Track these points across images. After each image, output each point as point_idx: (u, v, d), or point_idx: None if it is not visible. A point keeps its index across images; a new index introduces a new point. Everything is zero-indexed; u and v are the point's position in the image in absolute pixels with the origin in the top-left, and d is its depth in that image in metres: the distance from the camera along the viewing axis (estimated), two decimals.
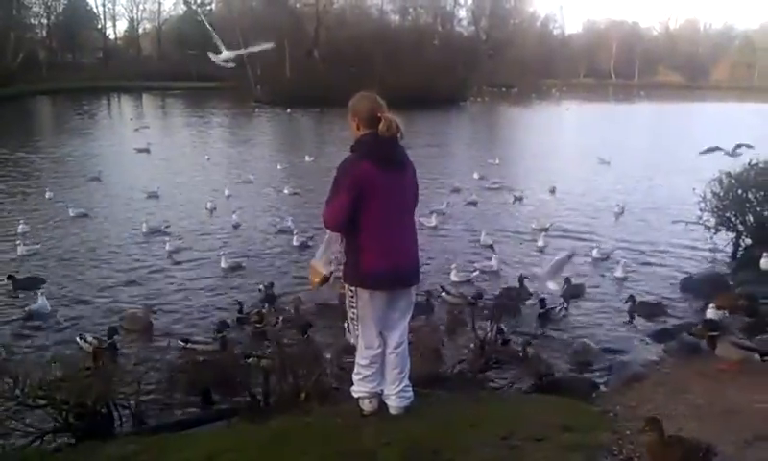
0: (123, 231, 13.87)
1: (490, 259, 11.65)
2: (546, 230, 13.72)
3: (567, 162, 23.24)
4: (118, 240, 13.23)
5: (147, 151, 24.90)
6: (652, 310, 9.20)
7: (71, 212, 14.94)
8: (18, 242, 12.28)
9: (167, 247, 12.28)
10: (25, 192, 17.83)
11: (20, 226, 13.53)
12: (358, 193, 4.25)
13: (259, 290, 10.03)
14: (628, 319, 9.11)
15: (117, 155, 25.46)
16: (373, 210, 4.31)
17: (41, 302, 9.44)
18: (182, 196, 17.55)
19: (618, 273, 11.01)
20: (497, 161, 22.67)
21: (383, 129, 4.31)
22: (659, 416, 3.86)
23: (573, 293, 9.91)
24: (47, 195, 16.61)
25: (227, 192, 17.33)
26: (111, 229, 14.15)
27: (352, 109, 4.43)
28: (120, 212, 15.69)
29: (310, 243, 12.61)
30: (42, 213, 15.32)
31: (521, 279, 10.48)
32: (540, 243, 12.82)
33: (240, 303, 9.30)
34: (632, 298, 9.42)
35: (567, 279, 10.22)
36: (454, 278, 10.90)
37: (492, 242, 12.91)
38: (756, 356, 5.72)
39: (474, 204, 16.89)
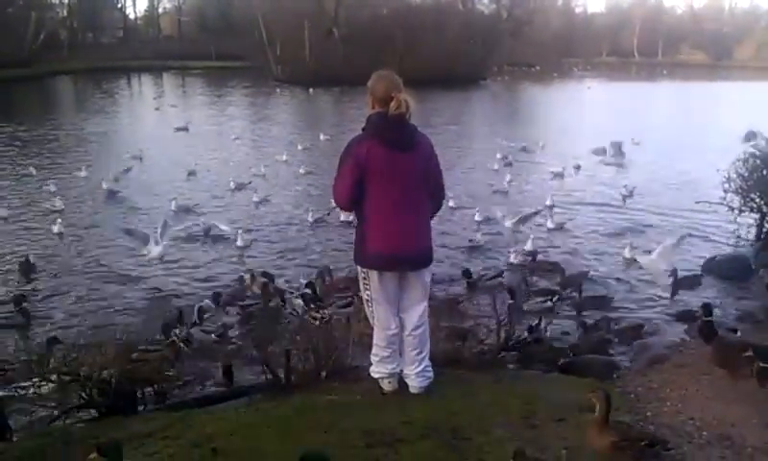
0: (157, 210, 13.90)
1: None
2: (540, 210, 13.63)
3: (592, 141, 22.98)
4: (151, 218, 13.25)
5: (186, 130, 25.16)
6: (598, 304, 8.81)
7: (104, 185, 15.12)
8: (59, 220, 12.31)
9: (201, 226, 12.31)
10: (59, 170, 17.92)
11: (56, 202, 13.65)
12: (361, 173, 4.27)
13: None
14: (576, 312, 8.72)
15: (156, 133, 25.66)
16: (378, 191, 4.33)
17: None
18: (218, 175, 17.54)
19: (627, 253, 10.88)
20: (542, 144, 21.85)
21: (393, 108, 4.30)
22: (608, 391, 3.79)
23: (571, 283, 9.49)
24: (82, 173, 16.66)
25: (263, 170, 17.40)
26: (145, 207, 14.24)
27: (369, 89, 4.44)
28: (158, 190, 15.76)
29: (327, 219, 12.75)
30: (77, 191, 15.44)
31: (534, 254, 10.56)
32: (550, 224, 12.72)
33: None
34: (579, 290, 9.06)
35: (561, 269, 10.13)
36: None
37: (481, 218, 12.89)
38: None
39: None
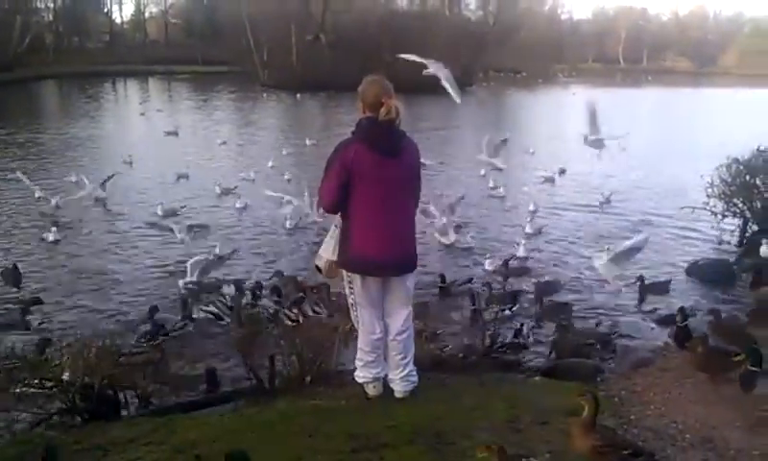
0: (145, 212, 13.86)
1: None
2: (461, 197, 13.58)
3: (580, 147, 23.01)
4: (137, 222, 13.16)
5: (176, 134, 24.98)
6: (559, 310, 8.61)
7: (92, 190, 14.87)
8: (53, 228, 12.00)
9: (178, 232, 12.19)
10: (47, 175, 17.65)
11: (47, 207, 13.62)
12: (347, 176, 4.28)
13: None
14: (535, 323, 8.48)
15: (145, 138, 25.53)
16: (363, 195, 4.34)
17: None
18: (204, 179, 17.31)
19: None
20: (532, 151, 21.81)
21: (383, 114, 4.32)
22: (597, 395, 3.79)
23: (547, 289, 9.33)
24: (73, 178, 16.34)
25: (252, 175, 17.30)
26: (133, 211, 14.14)
27: (360, 94, 4.45)
28: (146, 194, 15.73)
29: (301, 225, 12.81)
30: (67, 196, 15.16)
31: (506, 262, 10.48)
32: (529, 229, 12.66)
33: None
34: (540, 300, 8.93)
35: (535, 275, 10.11)
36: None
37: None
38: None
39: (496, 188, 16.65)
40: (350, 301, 4.60)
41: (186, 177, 17.14)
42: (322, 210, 4.78)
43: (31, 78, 51.42)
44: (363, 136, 4.34)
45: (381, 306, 4.58)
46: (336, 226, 4.63)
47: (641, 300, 9.30)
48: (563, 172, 18.37)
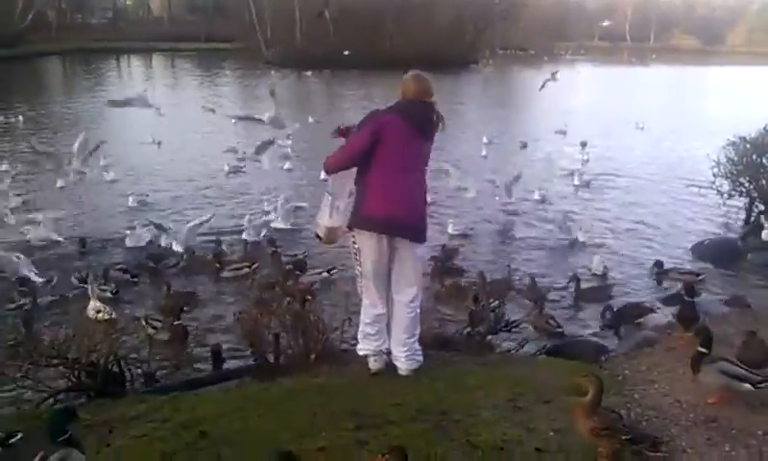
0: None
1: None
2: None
3: (596, 125, 22.90)
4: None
5: (212, 111, 24.46)
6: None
7: (106, 176, 14.73)
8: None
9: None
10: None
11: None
12: (377, 137, 4.42)
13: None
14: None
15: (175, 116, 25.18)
16: (386, 159, 4.46)
17: None
18: (212, 159, 17.22)
19: (581, 237, 10.83)
20: (565, 127, 21.28)
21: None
22: (601, 376, 3.77)
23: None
24: (102, 162, 15.63)
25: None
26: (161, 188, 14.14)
27: (403, 84, 4.62)
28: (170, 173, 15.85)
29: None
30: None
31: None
32: (506, 197, 12.68)
33: None
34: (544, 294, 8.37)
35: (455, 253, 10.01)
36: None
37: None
38: (747, 386, 4.16)
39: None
40: (357, 271, 4.64)
41: (235, 150, 16.79)
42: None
43: (34, 54, 51.18)
44: (400, 109, 4.51)
45: (387, 281, 4.62)
46: (329, 193, 4.72)
47: (576, 302, 8.47)
48: (584, 144, 18.28)
